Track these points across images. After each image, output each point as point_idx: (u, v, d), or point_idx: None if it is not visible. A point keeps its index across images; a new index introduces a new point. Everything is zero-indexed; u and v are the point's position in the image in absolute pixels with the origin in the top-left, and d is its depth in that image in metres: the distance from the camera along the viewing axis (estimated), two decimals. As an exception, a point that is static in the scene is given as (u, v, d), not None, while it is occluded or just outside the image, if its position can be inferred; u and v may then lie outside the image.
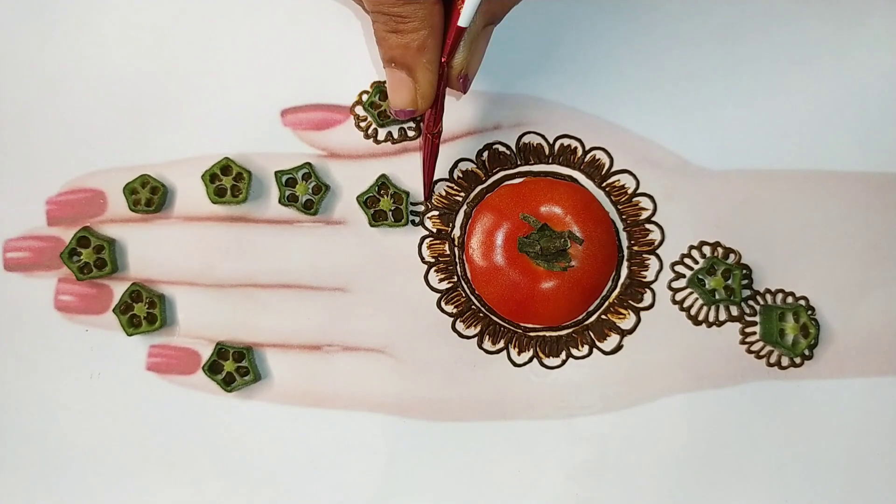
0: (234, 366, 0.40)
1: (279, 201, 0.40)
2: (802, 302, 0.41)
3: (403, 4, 0.32)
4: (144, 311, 0.40)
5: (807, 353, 0.41)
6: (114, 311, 0.40)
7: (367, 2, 0.33)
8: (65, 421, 0.40)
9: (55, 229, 0.41)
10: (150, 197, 0.40)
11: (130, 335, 0.40)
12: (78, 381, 0.40)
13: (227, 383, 0.40)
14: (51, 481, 0.40)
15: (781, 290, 0.41)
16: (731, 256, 0.41)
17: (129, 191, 0.40)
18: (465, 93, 0.36)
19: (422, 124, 0.39)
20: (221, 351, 0.40)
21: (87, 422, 0.40)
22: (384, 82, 0.41)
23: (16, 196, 0.41)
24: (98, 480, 0.40)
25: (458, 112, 0.41)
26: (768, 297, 0.41)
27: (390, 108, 0.37)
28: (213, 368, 0.40)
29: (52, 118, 0.41)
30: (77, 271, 0.40)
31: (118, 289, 0.41)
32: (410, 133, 0.41)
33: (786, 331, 0.40)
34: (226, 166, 0.40)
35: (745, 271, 0.41)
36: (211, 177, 0.40)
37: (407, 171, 0.41)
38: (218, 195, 0.40)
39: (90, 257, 0.40)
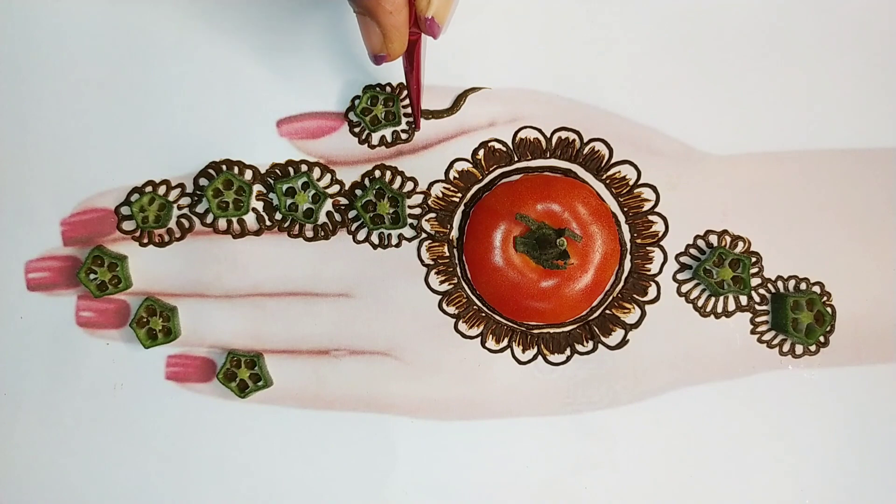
0: (247, 373, 0.41)
1: (280, 211, 0.41)
2: (817, 288, 0.40)
3: None
4: (160, 324, 0.41)
5: (822, 339, 0.40)
6: (130, 325, 0.42)
7: None
8: (93, 431, 0.42)
9: (71, 249, 0.42)
10: (157, 214, 0.42)
11: (148, 347, 0.42)
12: (102, 392, 0.42)
13: (241, 390, 0.41)
14: (83, 492, 0.42)
15: (795, 277, 0.40)
16: (740, 244, 0.40)
17: (138, 208, 0.42)
18: (434, 37, 0.35)
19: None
20: (234, 359, 0.41)
21: (113, 431, 0.42)
22: (376, 86, 0.41)
23: (33, 219, 0.42)
24: (128, 487, 0.42)
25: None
26: (780, 284, 0.40)
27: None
28: (227, 376, 0.41)
29: (59, 141, 0.42)
30: (95, 289, 0.42)
31: (133, 302, 0.42)
32: (404, 136, 0.41)
33: (799, 320, 0.39)
34: (228, 180, 0.41)
35: (754, 259, 0.40)
36: (214, 192, 0.41)
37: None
38: (221, 209, 0.41)
39: (105, 275, 0.42)
